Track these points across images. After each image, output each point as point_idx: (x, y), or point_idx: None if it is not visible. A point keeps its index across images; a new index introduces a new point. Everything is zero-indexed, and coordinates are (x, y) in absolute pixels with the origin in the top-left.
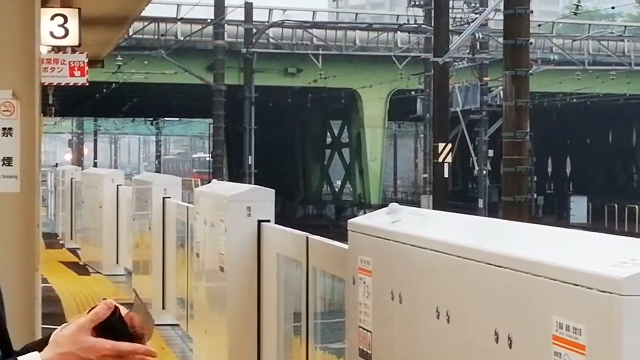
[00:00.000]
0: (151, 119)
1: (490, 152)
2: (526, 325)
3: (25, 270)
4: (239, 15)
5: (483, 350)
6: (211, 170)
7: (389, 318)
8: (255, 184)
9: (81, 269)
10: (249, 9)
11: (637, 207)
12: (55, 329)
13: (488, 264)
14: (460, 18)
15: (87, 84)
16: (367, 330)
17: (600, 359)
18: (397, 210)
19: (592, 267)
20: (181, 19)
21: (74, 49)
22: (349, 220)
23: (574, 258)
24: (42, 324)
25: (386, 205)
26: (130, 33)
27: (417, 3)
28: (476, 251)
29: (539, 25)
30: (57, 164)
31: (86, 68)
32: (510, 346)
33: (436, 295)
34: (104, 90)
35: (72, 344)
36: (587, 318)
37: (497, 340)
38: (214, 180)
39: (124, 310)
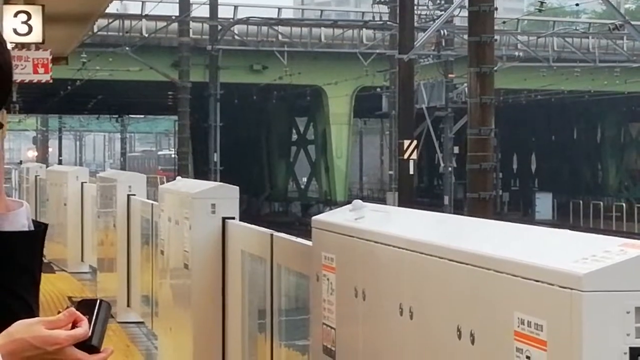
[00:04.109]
0: (116, 116)
1: (456, 149)
2: (488, 321)
3: None
4: (204, 12)
5: (446, 346)
6: (177, 168)
7: (352, 315)
8: (220, 181)
9: (46, 267)
10: (214, 5)
11: (602, 203)
12: None
13: (451, 260)
14: (426, 15)
15: (51, 81)
16: (331, 327)
17: (561, 354)
18: (360, 207)
19: (553, 264)
20: (146, 15)
21: (37, 46)
22: (313, 217)
23: (536, 254)
24: None
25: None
26: (95, 30)
27: (382, 0)
28: (439, 248)
29: (504, 22)
30: (21, 161)
31: (50, 65)
32: (472, 342)
33: (399, 292)
34: (69, 87)
35: (26, 333)
36: (548, 314)
37: (459, 336)
38: (178, 177)
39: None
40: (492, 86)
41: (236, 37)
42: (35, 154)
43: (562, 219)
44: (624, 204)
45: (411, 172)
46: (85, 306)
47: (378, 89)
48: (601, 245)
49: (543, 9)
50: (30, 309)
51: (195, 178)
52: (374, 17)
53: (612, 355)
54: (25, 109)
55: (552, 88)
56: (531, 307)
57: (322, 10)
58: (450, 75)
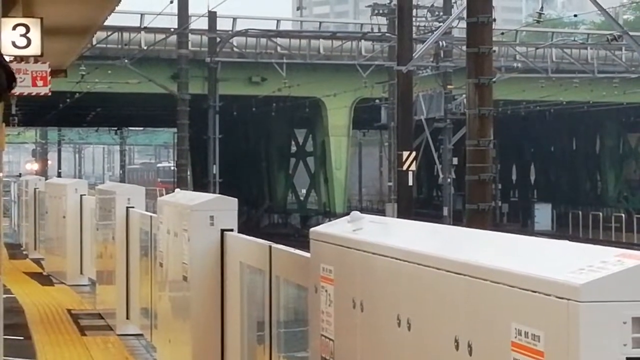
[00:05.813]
0: (115, 128)
1: (455, 160)
2: (486, 332)
3: None
4: (203, 24)
5: (444, 357)
6: (176, 180)
7: (350, 326)
8: (220, 193)
9: (45, 280)
10: (212, 18)
11: (601, 214)
12: (18, 339)
13: (448, 271)
14: (424, 26)
15: (50, 93)
16: (329, 339)
17: None
18: (358, 219)
19: (550, 274)
20: (145, 28)
21: (36, 59)
22: (311, 229)
23: (533, 265)
24: (5, 335)
25: None
26: (94, 42)
27: (380, 12)
28: (436, 259)
29: (502, 33)
30: (20, 174)
31: (49, 78)
32: (470, 353)
33: (397, 303)
34: (68, 100)
35: None
36: (545, 325)
37: (457, 347)
38: (177, 190)
39: None
40: (491, 97)
41: (235, 49)
42: (35, 166)
43: (562, 230)
44: (623, 215)
45: (410, 183)
46: None
47: (377, 101)
48: (598, 255)
49: (541, 20)
50: None
51: (195, 190)
52: (372, 28)
53: None
54: (25, 122)
55: (551, 99)
56: (528, 318)
57: (320, 22)
58: (449, 87)
